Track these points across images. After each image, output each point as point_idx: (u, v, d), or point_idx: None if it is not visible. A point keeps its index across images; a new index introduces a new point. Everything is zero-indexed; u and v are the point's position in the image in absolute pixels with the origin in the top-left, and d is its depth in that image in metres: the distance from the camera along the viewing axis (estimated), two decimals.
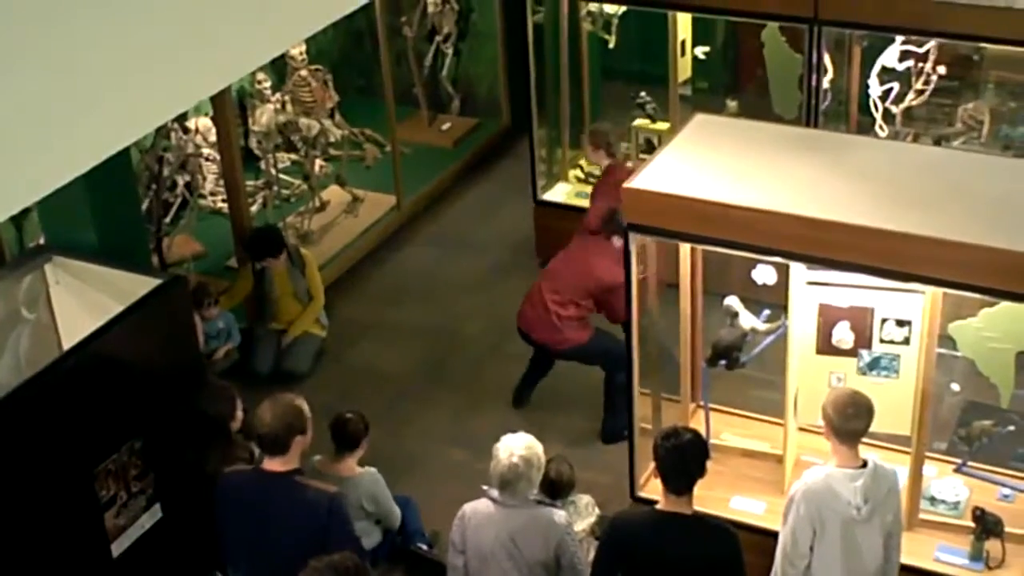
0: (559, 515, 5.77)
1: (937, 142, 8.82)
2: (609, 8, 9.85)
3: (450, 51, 11.69)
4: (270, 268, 8.88)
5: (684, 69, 9.65)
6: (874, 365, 6.50)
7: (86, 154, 3.62)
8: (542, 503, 5.85)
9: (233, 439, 6.58)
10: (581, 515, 6.68)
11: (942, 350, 6.39)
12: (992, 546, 6.32)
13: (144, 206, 8.94)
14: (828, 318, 6.49)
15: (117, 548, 6.27)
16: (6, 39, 3.21)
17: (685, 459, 5.37)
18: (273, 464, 5.65)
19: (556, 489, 6.62)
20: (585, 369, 8.68)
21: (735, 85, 11.03)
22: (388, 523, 6.78)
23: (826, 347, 6.54)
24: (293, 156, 10.77)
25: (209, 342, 8.59)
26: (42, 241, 7.58)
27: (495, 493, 5.71)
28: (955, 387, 7.39)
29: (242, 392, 6.84)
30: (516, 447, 5.65)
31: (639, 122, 10.05)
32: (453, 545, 5.86)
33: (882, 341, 6.45)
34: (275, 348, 8.99)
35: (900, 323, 6.38)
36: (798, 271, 6.25)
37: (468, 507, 5.84)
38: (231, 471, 5.88)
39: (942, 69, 8.88)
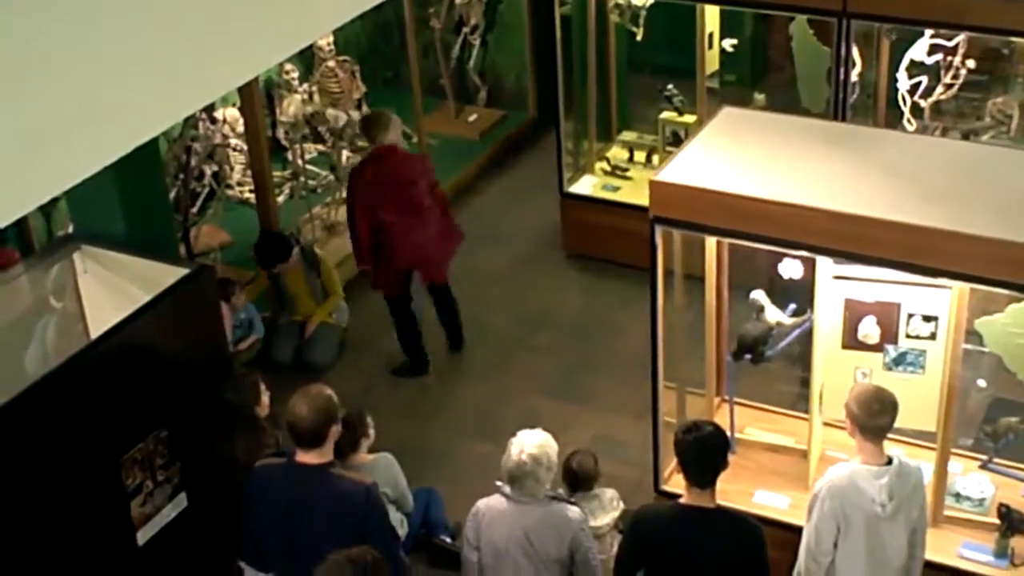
0: (573, 511, 5.77)
1: (966, 136, 8.79)
2: (637, 0, 9.83)
3: (477, 42, 11.69)
4: (284, 271, 8.93)
5: (712, 62, 9.62)
6: (900, 360, 6.48)
7: (115, 144, 3.64)
8: (556, 499, 5.83)
9: (261, 426, 6.60)
10: (605, 509, 6.67)
11: (969, 346, 6.37)
12: (1017, 543, 6.30)
13: (172, 196, 8.97)
14: (854, 313, 6.47)
15: (143, 536, 6.30)
16: (36, 29, 3.23)
17: (707, 452, 5.37)
18: (308, 457, 5.62)
19: (578, 481, 6.62)
20: (613, 362, 8.71)
21: (763, 78, 11.00)
22: (403, 507, 6.80)
23: (852, 342, 6.52)
24: (320, 147, 10.79)
25: (233, 332, 8.62)
26: (70, 230, 7.62)
27: (508, 489, 5.72)
28: (981, 383, 7.37)
29: (264, 382, 6.86)
30: (528, 444, 5.65)
31: (666, 115, 10.03)
32: (467, 541, 5.87)
33: (908, 336, 6.43)
34: (295, 338, 9.01)
35: (927, 318, 6.36)
36: (824, 265, 6.23)
37: (482, 503, 5.85)
38: (263, 464, 5.87)
39: (971, 63, 8.83)
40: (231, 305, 8.42)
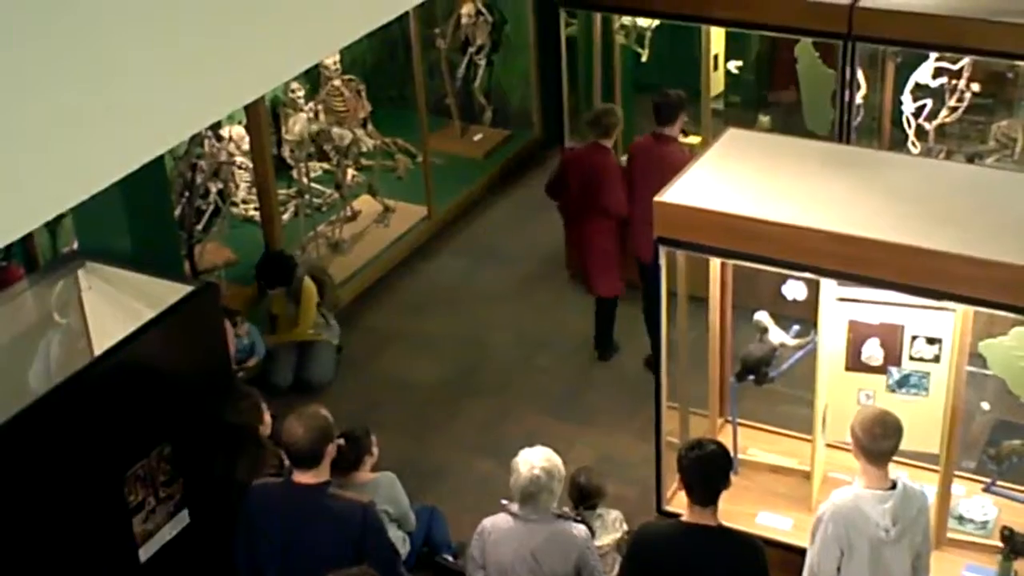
0: (579, 529, 5.76)
1: (970, 159, 8.79)
2: (642, 21, 9.85)
3: (483, 63, 11.71)
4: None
5: (717, 83, 9.65)
6: (903, 383, 6.47)
7: (121, 161, 3.64)
8: (562, 517, 5.83)
9: (264, 445, 6.59)
10: (607, 529, 6.66)
11: (972, 368, 6.36)
12: (1020, 566, 6.27)
13: (177, 213, 8.98)
14: (858, 334, 6.47)
15: (144, 553, 6.29)
16: (42, 46, 3.24)
17: (709, 470, 5.37)
18: (305, 477, 5.63)
19: (585, 495, 6.61)
20: (616, 381, 8.71)
21: (767, 100, 11.02)
22: (405, 525, 6.80)
23: (855, 364, 6.52)
24: (325, 165, 10.80)
25: (236, 353, 8.61)
26: (75, 247, 7.63)
27: (515, 508, 5.71)
28: (985, 406, 7.35)
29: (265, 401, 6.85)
30: (536, 460, 5.65)
31: None
32: (473, 559, 5.87)
33: (912, 358, 6.43)
34: (293, 361, 9.02)
35: (930, 341, 6.36)
36: (828, 287, 6.23)
37: (488, 522, 5.84)
38: (260, 484, 5.87)
39: (976, 86, 8.86)
40: (234, 333, 8.44)
